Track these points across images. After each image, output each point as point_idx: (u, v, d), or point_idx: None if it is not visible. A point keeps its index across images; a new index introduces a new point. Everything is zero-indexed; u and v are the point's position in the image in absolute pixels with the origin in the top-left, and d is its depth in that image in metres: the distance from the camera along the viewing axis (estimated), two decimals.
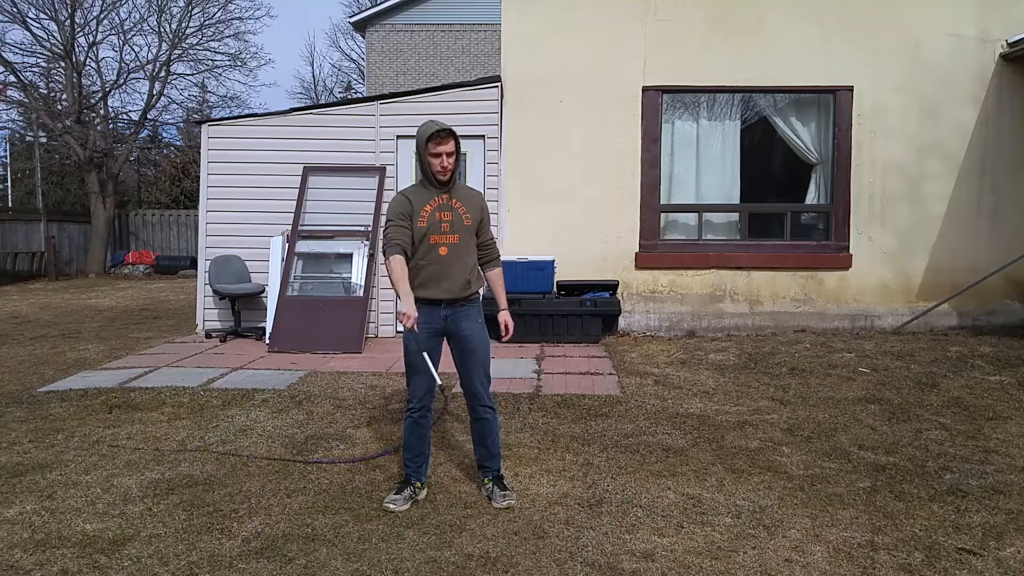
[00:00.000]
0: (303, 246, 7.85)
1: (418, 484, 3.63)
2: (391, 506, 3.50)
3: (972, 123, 7.86)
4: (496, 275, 3.74)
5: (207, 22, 20.67)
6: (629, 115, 7.93)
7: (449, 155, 3.43)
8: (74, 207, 22.09)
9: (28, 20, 18.16)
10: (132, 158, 22.44)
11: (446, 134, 3.42)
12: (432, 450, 4.17)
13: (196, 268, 9.64)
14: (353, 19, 22.50)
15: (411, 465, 3.64)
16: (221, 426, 4.75)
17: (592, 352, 7.10)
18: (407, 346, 3.54)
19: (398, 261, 3.40)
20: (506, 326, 3.65)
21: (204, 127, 8.31)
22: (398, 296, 3.42)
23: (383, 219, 7.68)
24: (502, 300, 3.72)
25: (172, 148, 25.53)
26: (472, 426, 3.71)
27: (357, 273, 7.70)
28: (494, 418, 3.67)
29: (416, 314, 3.32)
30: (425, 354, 3.42)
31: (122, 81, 19.98)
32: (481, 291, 3.69)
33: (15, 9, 17.83)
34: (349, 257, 7.81)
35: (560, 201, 7.95)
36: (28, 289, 14.65)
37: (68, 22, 18.45)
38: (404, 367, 3.62)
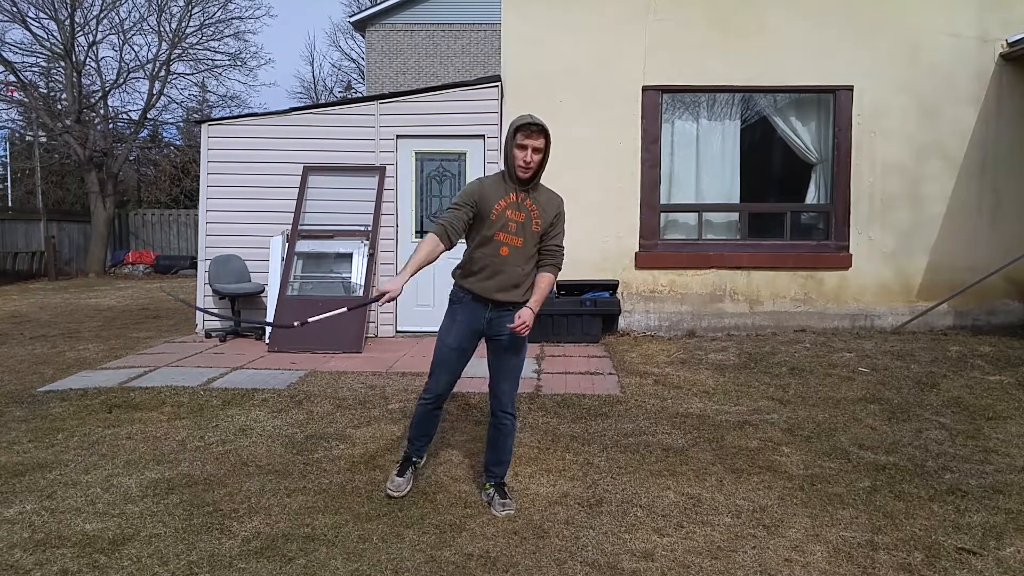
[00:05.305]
0: (303, 246, 7.85)
1: (418, 462, 3.80)
2: (394, 493, 3.59)
3: (972, 123, 7.86)
4: (543, 278, 3.43)
5: (207, 22, 20.67)
6: (629, 115, 7.93)
7: (536, 151, 3.27)
8: (74, 207, 22.08)
9: (28, 20, 18.15)
10: (132, 158, 22.41)
11: (538, 129, 3.26)
12: (431, 451, 4.17)
13: (196, 268, 9.64)
14: (353, 19, 22.50)
15: (416, 443, 3.74)
16: (221, 426, 4.76)
17: (592, 352, 7.10)
18: (441, 339, 3.51)
19: (429, 240, 3.29)
20: (521, 319, 3.25)
21: (204, 127, 8.30)
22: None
23: (383, 219, 7.81)
24: (534, 300, 3.36)
25: (172, 148, 25.49)
26: (489, 430, 3.65)
27: (357, 273, 7.70)
28: (513, 425, 3.60)
29: (399, 294, 3.20)
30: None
31: (122, 81, 19.97)
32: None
33: (15, 9, 17.81)
34: (349, 257, 7.82)
35: None
36: (28, 289, 14.64)
37: (68, 21, 18.44)
38: (432, 357, 3.58)
